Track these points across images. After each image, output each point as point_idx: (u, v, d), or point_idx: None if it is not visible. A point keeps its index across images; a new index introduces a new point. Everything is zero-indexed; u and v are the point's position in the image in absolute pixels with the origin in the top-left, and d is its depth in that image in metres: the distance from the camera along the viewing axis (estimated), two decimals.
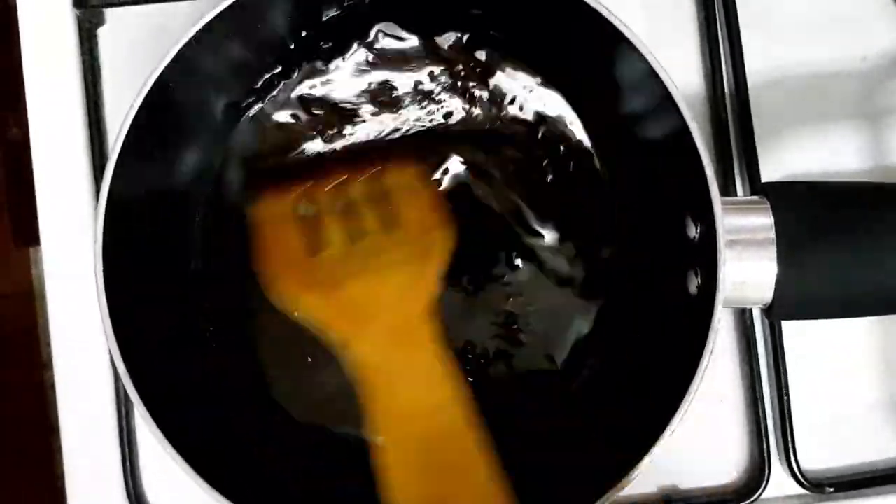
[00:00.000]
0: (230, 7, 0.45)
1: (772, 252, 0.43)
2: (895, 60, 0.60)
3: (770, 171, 0.58)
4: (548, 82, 0.55)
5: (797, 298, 0.43)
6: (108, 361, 0.58)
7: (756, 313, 0.57)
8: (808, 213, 0.44)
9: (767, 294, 0.43)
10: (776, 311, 0.44)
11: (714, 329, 0.42)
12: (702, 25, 0.59)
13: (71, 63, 0.60)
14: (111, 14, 0.60)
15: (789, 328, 0.57)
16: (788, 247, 0.43)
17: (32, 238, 0.60)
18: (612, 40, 0.43)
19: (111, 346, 0.44)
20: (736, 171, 0.58)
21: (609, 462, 0.43)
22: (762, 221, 0.43)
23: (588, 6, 0.43)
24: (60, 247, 0.58)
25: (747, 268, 0.43)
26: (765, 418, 0.57)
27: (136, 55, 0.59)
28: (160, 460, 0.49)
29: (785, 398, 0.57)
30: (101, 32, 0.60)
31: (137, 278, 0.48)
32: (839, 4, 0.60)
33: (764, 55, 0.59)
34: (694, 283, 0.45)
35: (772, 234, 0.43)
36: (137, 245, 0.49)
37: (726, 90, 0.59)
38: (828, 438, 0.58)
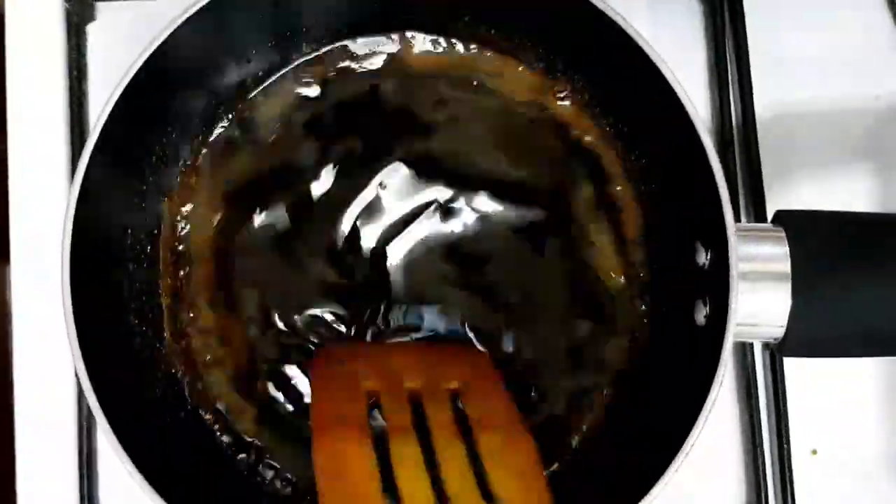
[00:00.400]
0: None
1: (786, 284, 0.40)
2: None
3: (778, 203, 0.56)
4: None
5: (812, 335, 0.41)
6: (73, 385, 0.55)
7: (757, 349, 0.55)
8: (826, 243, 0.41)
9: (779, 329, 0.41)
10: (788, 348, 0.41)
11: (723, 363, 0.39)
12: (710, 57, 0.58)
13: (56, 59, 0.57)
14: (103, 9, 0.57)
15: (792, 369, 0.55)
16: (804, 279, 0.40)
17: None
18: (630, 56, 0.42)
19: (77, 365, 0.42)
20: (742, 206, 0.56)
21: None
22: (776, 251, 0.41)
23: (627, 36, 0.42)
24: (30, 262, 0.55)
25: (760, 300, 0.41)
26: (763, 468, 0.54)
27: (127, 55, 0.57)
28: (119, 479, 0.47)
29: (785, 446, 0.54)
30: (91, 29, 0.57)
31: (105, 299, 0.46)
32: (853, 42, 0.59)
33: (774, 90, 0.58)
34: (702, 314, 0.43)
35: (787, 266, 0.41)
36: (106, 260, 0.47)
37: (734, 123, 0.57)
38: (829, 489, 0.55)
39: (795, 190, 0.58)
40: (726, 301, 0.40)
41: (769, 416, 0.55)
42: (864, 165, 0.58)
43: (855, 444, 0.56)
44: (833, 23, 0.59)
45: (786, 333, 0.41)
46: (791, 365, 0.55)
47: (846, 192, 0.58)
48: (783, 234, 0.41)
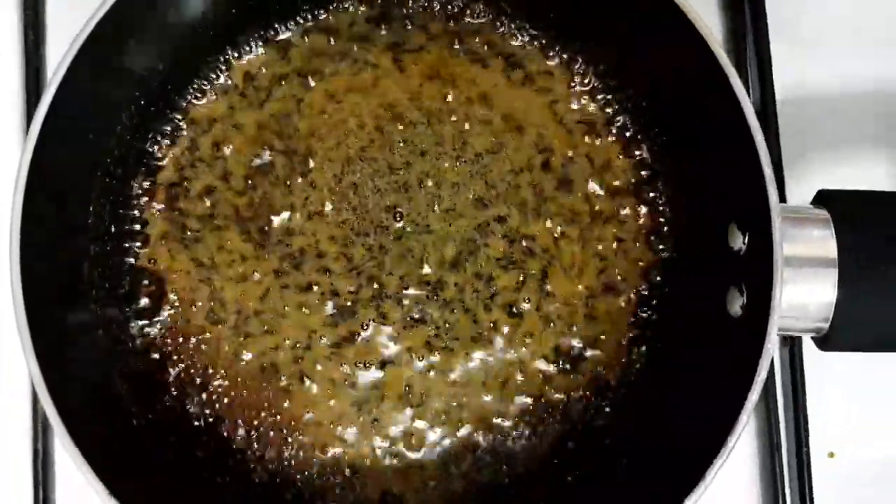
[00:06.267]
0: None
1: (832, 271, 0.37)
2: None
3: (796, 191, 0.53)
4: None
5: (860, 327, 0.37)
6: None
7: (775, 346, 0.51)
8: (874, 226, 0.38)
9: (824, 322, 0.37)
10: (832, 342, 0.38)
11: (766, 357, 0.35)
12: (728, 35, 0.54)
13: (10, 21, 0.52)
14: None
15: (809, 368, 0.51)
16: (852, 265, 0.37)
17: None
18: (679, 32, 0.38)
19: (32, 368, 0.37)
20: None
21: None
22: (821, 234, 0.37)
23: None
24: None
25: (803, 290, 0.37)
26: (781, 471, 0.51)
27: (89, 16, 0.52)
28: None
29: (804, 449, 0.51)
30: None
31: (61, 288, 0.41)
32: (872, 23, 0.56)
33: (792, 71, 0.54)
34: (738, 303, 0.39)
35: (833, 250, 0.37)
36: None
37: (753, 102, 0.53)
38: (846, 492, 0.52)
39: (811, 171, 0.55)
40: (768, 289, 0.36)
41: (787, 418, 0.52)
42: (882, 148, 0.55)
43: (872, 447, 0.53)
44: (853, 4, 0.56)
45: (831, 325, 0.37)
46: (808, 363, 0.51)
47: (865, 174, 0.54)
48: (828, 216, 0.38)
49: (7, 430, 0.50)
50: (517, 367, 0.47)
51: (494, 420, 0.47)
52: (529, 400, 0.47)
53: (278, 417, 0.47)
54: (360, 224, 0.48)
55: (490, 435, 0.47)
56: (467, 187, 0.48)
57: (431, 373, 0.47)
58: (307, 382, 0.47)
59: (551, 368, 0.47)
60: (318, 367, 0.47)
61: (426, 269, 0.48)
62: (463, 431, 0.47)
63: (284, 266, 0.47)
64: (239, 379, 0.47)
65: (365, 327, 0.47)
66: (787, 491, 0.51)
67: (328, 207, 0.48)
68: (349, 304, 0.47)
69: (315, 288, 0.47)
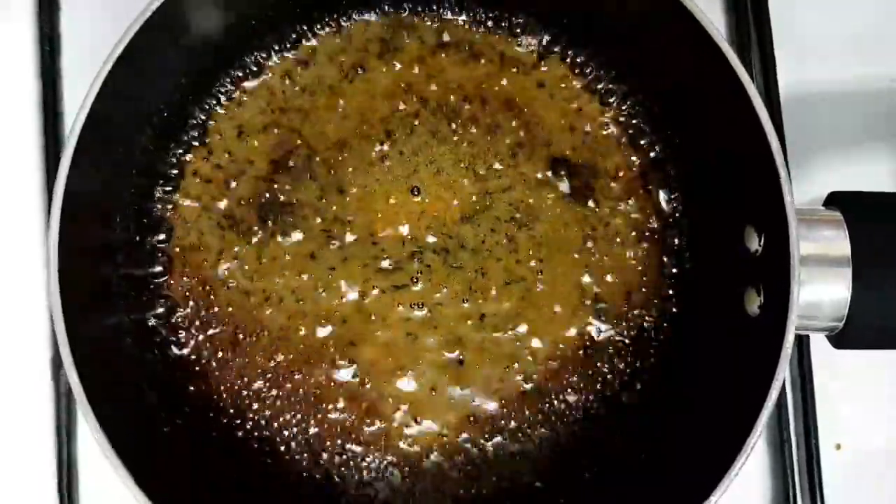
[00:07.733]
0: None
1: (846, 270, 0.38)
2: None
3: (800, 192, 0.54)
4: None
5: (874, 325, 0.38)
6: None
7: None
8: (886, 226, 0.39)
9: (838, 321, 0.38)
10: (847, 340, 0.39)
11: (785, 355, 0.36)
12: (731, 35, 0.55)
13: (26, 33, 0.52)
14: None
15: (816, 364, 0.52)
16: (866, 264, 0.38)
17: None
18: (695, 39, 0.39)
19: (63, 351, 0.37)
20: None
21: None
22: (835, 234, 0.38)
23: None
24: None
25: (819, 289, 0.38)
26: (791, 463, 0.52)
27: (106, 28, 0.52)
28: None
29: (813, 441, 0.52)
30: None
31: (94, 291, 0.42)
32: (872, 24, 0.57)
33: (794, 73, 0.55)
34: (755, 303, 0.40)
35: (846, 249, 0.38)
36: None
37: None
38: (854, 484, 0.53)
39: (815, 171, 0.56)
40: (785, 289, 0.37)
41: (795, 411, 0.53)
42: (885, 147, 0.56)
43: (878, 438, 0.54)
44: (852, 5, 0.57)
45: (846, 323, 0.38)
46: (815, 358, 0.53)
47: (868, 173, 0.56)
48: (840, 218, 0.39)
49: (32, 435, 0.50)
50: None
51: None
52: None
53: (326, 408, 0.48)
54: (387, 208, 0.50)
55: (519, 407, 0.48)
56: (468, 167, 0.50)
57: (471, 319, 0.49)
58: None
59: (569, 353, 0.49)
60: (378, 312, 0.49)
61: (444, 224, 0.49)
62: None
63: (318, 251, 0.49)
64: (292, 349, 0.48)
65: (415, 280, 0.49)
66: (797, 482, 0.52)
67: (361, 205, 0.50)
68: (398, 261, 0.49)
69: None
